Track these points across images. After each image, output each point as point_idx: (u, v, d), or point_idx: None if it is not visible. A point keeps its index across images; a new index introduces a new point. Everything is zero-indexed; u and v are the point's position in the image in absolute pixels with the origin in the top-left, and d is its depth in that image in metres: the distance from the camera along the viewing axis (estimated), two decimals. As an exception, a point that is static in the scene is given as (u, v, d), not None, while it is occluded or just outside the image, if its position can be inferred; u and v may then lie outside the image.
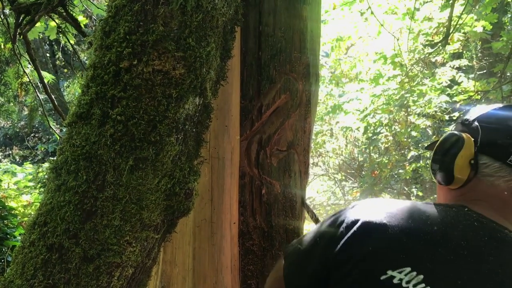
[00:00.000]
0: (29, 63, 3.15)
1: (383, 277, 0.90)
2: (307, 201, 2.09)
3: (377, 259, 0.93)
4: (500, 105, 1.12)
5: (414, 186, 7.86)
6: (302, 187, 2.05)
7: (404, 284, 0.89)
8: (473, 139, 1.07)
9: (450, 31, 4.93)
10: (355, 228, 0.99)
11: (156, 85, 1.03)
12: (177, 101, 1.05)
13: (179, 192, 1.10)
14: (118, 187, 1.03)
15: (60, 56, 11.94)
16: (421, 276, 0.89)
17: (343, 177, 8.93)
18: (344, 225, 1.02)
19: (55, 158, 1.09)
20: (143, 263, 1.11)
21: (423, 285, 0.88)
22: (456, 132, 1.12)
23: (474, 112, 1.12)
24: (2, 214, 4.13)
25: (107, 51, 1.05)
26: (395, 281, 0.89)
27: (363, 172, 8.16)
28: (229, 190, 1.83)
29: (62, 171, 1.06)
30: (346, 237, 0.99)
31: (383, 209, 1.01)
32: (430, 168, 1.18)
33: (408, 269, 0.90)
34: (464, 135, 1.08)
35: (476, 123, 1.09)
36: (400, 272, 0.90)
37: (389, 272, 0.90)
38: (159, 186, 1.07)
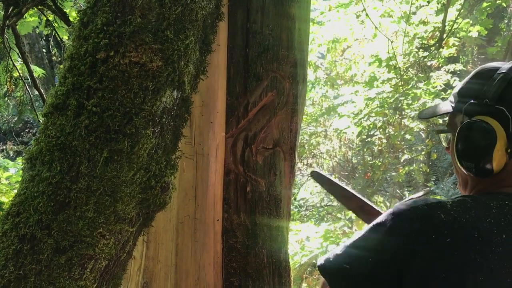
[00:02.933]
0: (19, 56, 3.14)
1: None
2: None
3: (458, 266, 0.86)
4: (494, 65, 1.04)
5: (406, 189, 7.88)
6: (288, 186, 2.05)
7: None
8: (501, 125, 0.96)
9: (444, 35, 4.94)
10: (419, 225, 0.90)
11: (132, 77, 1.02)
12: (154, 94, 1.05)
13: (155, 186, 1.10)
14: (92, 179, 1.02)
15: (56, 51, 11.91)
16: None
17: (337, 179, 8.94)
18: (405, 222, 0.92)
19: (31, 148, 1.09)
20: (117, 256, 1.11)
21: None
22: (478, 120, 0.99)
23: (489, 90, 0.99)
24: (-9, 208, 4.11)
25: (85, 42, 1.04)
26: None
27: (356, 174, 8.18)
28: (213, 187, 1.82)
29: (36, 161, 1.05)
30: (413, 233, 0.90)
31: (438, 206, 0.92)
32: (457, 163, 1.05)
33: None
34: (491, 122, 0.97)
35: (499, 106, 0.97)
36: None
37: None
38: (134, 178, 1.07)
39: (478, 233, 0.87)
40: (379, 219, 0.98)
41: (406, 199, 1.05)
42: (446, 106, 1.12)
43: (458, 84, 1.10)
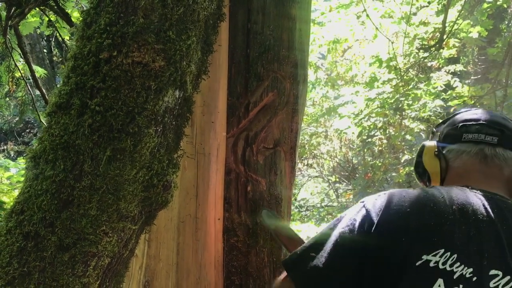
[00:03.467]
0: (21, 57, 3.15)
1: (418, 263, 0.94)
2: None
3: (409, 245, 0.96)
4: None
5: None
6: (288, 186, 2.06)
7: (440, 266, 0.93)
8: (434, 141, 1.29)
9: (445, 36, 4.95)
10: (379, 217, 1.02)
11: (135, 76, 1.04)
12: (157, 93, 1.06)
13: (157, 184, 1.11)
14: (95, 177, 1.04)
15: (57, 52, 11.92)
16: (455, 255, 0.94)
17: (337, 179, 8.95)
18: (365, 212, 1.04)
19: (34, 147, 1.10)
20: (120, 253, 1.12)
21: (458, 263, 0.93)
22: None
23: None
24: (-7, 208, 4.12)
25: (88, 42, 1.06)
26: (431, 264, 0.93)
27: (357, 175, 8.19)
28: (214, 186, 1.83)
29: (40, 160, 1.07)
30: (375, 220, 1.01)
31: (399, 197, 1.05)
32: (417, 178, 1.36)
33: (442, 250, 0.94)
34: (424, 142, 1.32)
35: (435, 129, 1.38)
36: (435, 255, 0.94)
37: (424, 257, 0.94)
38: (136, 177, 1.08)
39: (432, 203, 1.01)
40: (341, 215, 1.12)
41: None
42: None
43: None
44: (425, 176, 1.29)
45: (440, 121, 1.41)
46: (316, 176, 9.09)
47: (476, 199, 1.04)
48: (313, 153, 8.66)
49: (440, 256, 0.94)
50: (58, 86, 1.10)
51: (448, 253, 0.94)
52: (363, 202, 1.09)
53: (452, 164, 1.21)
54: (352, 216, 1.06)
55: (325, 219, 7.85)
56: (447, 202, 1.02)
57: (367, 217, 1.03)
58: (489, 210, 1.02)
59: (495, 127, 1.18)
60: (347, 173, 8.70)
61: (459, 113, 1.30)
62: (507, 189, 1.15)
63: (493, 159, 1.16)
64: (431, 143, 1.28)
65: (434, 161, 1.24)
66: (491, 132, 1.17)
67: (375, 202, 1.05)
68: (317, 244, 1.08)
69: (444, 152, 1.23)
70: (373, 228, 1.00)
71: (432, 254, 0.94)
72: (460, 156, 1.19)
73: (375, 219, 1.01)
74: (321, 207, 8.72)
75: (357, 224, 1.03)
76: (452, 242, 0.95)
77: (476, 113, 1.24)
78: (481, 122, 1.20)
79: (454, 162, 1.21)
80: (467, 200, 1.04)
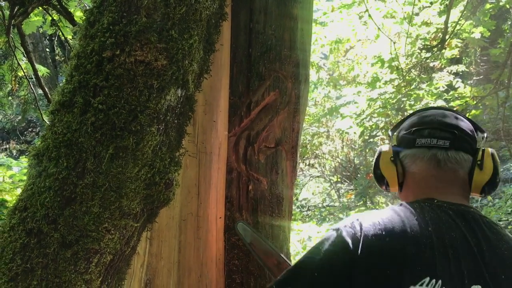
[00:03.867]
0: (24, 55, 3.16)
1: None
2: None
3: (396, 277, 0.96)
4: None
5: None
6: (290, 185, 2.07)
7: None
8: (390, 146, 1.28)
9: (447, 37, 4.95)
10: (362, 240, 1.01)
11: (138, 75, 1.05)
12: (159, 92, 1.07)
13: (159, 182, 1.12)
14: (98, 175, 1.04)
15: (59, 51, 11.95)
16: (440, 281, 0.95)
17: (339, 179, 8.95)
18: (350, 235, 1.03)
19: (37, 145, 1.11)
20: (122, 250, 1.13)
21: None
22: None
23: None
24: (-5, 206, 4.14)
25: (91, 41, 1.07)
26: None
27: (359, 175, 8.19)
28: (216, 185, 1.84)
29: (43, 157, 1.08)
30: (360, 245, 1.00)
31: (373, 225, 1.03)
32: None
33: (427, 278, 0.95)
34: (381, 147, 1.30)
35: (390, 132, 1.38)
36: (421, 285, 0.95)
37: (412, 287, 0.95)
38: (139, 175, 1.09)
39: (410, 229, 1.01)
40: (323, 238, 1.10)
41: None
42: None
43: None
44: (383, 181, 1.29)
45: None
46: (318, 176, 9.09)
47: (446, 216, 1.06)
48: (314, 153, 8.67)
49: (427, 285, 0.95)
50: (61, 84, 1.11)
51: (434, 280, 0.95)
52: (337, 230, 1.06)
53: (408, 169, 1.22)
54: (329, 248, 1.04)
55: (327, 219, 7.85)
56: (423, 225, 1.02)
57: (346, 249, 1.01)
58: (460, 225, 1.04)
59: (447, 129, 1.19)
60: (348, 173, 8.70)
61: (414, 114, 1.30)
62: (462, 190, 1.17)
63: (446, 163, 1.17)
64: (387, 148, 1.28)
65: (390, 166, 1.25)
66: (443, 136, 1.18)
67: (349, 232, 1.03)
68: (294, 275, 1.08)
69: (400, 157, 1.24)
70: (355, 262, 0.99)
71: (419, 284, 0.95)
72: (415, 162, 1.20)
73: (357, 251, 0.99)
74: (322, 207, 8.72)
75: (336, 258, 1.02)
76: (435, 268, 0.96)
77: (428, 116, 1.24)
78: (434, 126, 1.20)
79: (410, 167, 1.22)
80: (439, 219, 1.05)
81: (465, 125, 1.22)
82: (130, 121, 1.05)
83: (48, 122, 1.11)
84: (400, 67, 6.24)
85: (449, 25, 5.24)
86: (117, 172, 1.05)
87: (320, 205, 8.85)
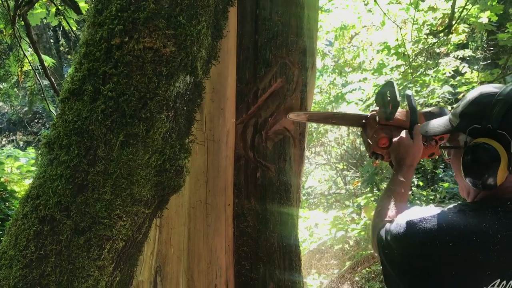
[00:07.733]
0: (29, 46, 3.16)
1: None
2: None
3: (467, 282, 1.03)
4: (491, 89, 1.16)
5: (415, 176, 7.87)
6: (297, 172, 2.07)
7: None
8: (503, 147, 1.10)
9: (454, 22, 4.89)
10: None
11: (146, 62, 1.04)
12: (168, 79, 1.07)
13: (169, 169, 1.13)
14: (109, 162, 1.05)
15: (64, 42, 11.95)
16: (510, 282, 1.02)
17: (345, 167, 8.94)
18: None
19: (48, 133, 1.12)
20: (134, 237, 1.14)
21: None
22: (484, 142, 1.12)
23: (490, 115, 1.13)
24: (4, 196, 4.18)
25: (99, 28, 1.07)
26: None
27: (365, 162, 8.17)
28: (224, 173, 1.85)
29: (54, 145, 1.08)
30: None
31: (443, 230, 1.06)
32: (463, 177, 1.18)
33: (498, 280, 1.02)
34: (495, 145, 1.10)
35: (501, 131, 1.11)
36: (492, 286, 1.02)
37: None
38: (149, 162, 1.09)
39: (476, 236, 1.04)
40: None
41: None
42: (446, 123, 1.27)
43: (458, 105, 1.22)
44: (479, 183, 1.14)
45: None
46: (324, 164, 9.09)
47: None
48: (320, 141, 8.64)
49: (498, 286, 1.02)
50: (69, 73, 1.11)
51: (504, 282, 1.02)
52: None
53: None
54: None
55: (333, 207, 7.86)
56: (490, 232, 1.04)
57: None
58: None
59: None
60: (354, 161, 8.68)
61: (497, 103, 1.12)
62: None
63: None
64: (503, 152, 1.10)
65: (504, 175, 1.11)
66: None
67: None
68: None
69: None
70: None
71: (490, 286, 1.01)
72: None
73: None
74: (328, 195, 8.73)
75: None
76: (505, 270, 1.02)
77: None
78: None
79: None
80: (508, 224, 1.06)
81: None
82: (140, 108, 1.05)
83: (58, 110, 1.12)
84: (406, 53, 6.19)
85: (455, 10, 5.17)
86: (128, 159, 1.06)
87: (326, 193, 8.85)
